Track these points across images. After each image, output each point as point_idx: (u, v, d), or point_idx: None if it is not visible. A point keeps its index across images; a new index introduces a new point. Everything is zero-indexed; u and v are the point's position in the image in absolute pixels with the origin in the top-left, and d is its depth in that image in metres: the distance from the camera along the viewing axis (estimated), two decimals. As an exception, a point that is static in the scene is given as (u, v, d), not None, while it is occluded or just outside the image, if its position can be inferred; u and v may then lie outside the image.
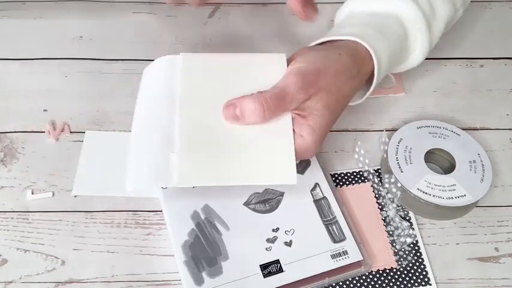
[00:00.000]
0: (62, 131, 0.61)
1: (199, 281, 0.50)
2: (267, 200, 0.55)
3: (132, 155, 0.53)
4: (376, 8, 0.60)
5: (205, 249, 0.52)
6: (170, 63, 0.56)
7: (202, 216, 0.54)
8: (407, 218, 0.57)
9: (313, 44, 0.59)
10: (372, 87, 0.58)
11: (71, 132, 0.61)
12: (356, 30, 0.57)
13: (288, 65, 0.54)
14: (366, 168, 0.59)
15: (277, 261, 0.52)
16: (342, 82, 0.53)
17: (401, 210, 0.57)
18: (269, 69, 0.54)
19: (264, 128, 0.52)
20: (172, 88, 0.54)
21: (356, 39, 0.55)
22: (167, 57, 0.57)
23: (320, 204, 0.55)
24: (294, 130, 0.52)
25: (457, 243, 0.56)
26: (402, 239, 0.54)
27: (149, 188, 0.56)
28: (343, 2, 0.64)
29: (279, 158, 0.51)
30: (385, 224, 0.56)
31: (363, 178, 0.59)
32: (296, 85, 0.51)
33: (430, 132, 0.60)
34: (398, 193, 0.56)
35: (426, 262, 0.54)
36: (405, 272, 0.53)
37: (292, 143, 0.51)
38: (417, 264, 0.54)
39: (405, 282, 0.53)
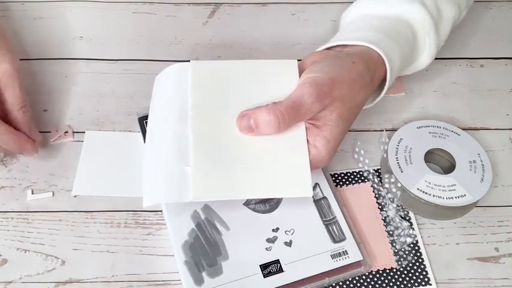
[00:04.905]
0: (66, 133, 0.61)
1: (199, 281, 0.50)
2: (267, 200, 0.55)
3: (147, 168, 0.53)
4: (384, 11, 0.59)
5: (205, 249, 0.52)
6: (181, 72, 0.56)
7: (202, 216, 0.54)
8: (407, 218, 0.57)
9: (323, 47, 0.58)
10: (383, 93, 0.58)
11: (73, 132, 0.61)
12: (367, 35, 0.57)
13: (300, 71, 0.54)
14: (366, 168, 0.59)
15: (277, 261, 0.52)
16: (355, 91, 0.53)
17: (401, 210, 0.57)
18: (281, 76, 0.54)
19: (278, 139, 0.52)
20: (184, 97, 0.54)
21: (369, 45, 0.55)
22: (177, 65, 0.56)
23: (320, 204, 0.55)
24: (308, 140, 0.52)
25: (457, 243, 0.56)
26: (402, 239, 0.54)
27: (164, 202, 0.55)
28: (345, 2, 0.64)
29: (293, 170, 0.51)
30: (385, 224, 0.56)
31: (363, 178, 0.59)
32: (311, 96, 0.50)
33: (430, 132, 0.60)
34: (398, 193, 0.56)
35: (426, 262, 0.54)
36: (405, 272, 0.53)
37: (307, 154, 0.52)
38: (417, 264, 0.54)
39: (405, 282, 0.53)
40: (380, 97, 0.58)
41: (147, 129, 0.57)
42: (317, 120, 0.52)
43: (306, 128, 0.53)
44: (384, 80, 0.57)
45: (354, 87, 0.53)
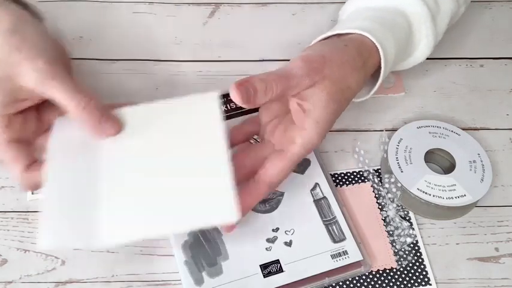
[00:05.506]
0: None
1: (199, 281, 0.50)
2: (267, 200, 0.55)
3: (48, 208, 0.48)
4: (380, 2, 0.60)
5: (205, 249, 0.52)
6: None
7: (202, 216, 0.54)
8: (407, 218, 0.57)
9: (318, 39, 0.58)
10: (379, 82, 0.57)
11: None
12: (362, 24, 0.57)
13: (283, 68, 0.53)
14: (366, 168, 0.59)
15: (277, 261, 0.52)
16: (347, 72, 0.53)
17: (401, 210, 0.57)
18: (200, 111, 0.51)
19: (197, 167, 0.48)
20: (93, 142, 0.50)
21: (362, 33, 0.55)
22: None
23: (320, 204, 0.55)
24: (295, 123, 0.51)
25: (457, 243, 0.56)
26: (402, 239, 0.54)
27: (67, 247, 0.52)
28: (345, 2, 0.64)
29: (214, 195, 0.47)
30: (385, 224, 0.56)
31: (363, 178, 0.59)
32: (302, 70, 0.50)
33: (430, 132, 0.60)
34: (398, 193, 0.56)
35: (426, 262, 0.54)
36: (405, 272, 0.53)
37: (229, 176, 0.47)
38: (417, 264, 0.54)
39: (405, 282, 0.53)
40: (376, 88, 0.58)
41: (47, 172, 0.49)
42: (306, 100, 0.51)
43: (279, 120, 0.51)
44: (378, 70, 0.57)
45: (345, 68, 0.53)
